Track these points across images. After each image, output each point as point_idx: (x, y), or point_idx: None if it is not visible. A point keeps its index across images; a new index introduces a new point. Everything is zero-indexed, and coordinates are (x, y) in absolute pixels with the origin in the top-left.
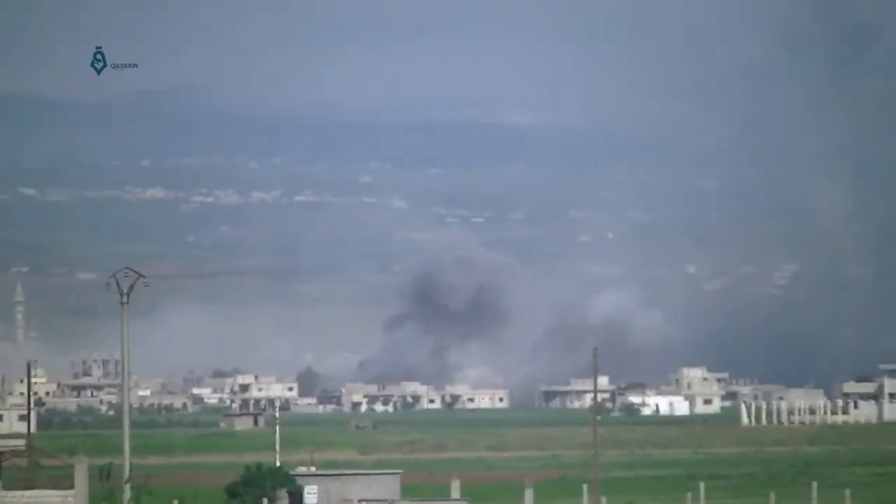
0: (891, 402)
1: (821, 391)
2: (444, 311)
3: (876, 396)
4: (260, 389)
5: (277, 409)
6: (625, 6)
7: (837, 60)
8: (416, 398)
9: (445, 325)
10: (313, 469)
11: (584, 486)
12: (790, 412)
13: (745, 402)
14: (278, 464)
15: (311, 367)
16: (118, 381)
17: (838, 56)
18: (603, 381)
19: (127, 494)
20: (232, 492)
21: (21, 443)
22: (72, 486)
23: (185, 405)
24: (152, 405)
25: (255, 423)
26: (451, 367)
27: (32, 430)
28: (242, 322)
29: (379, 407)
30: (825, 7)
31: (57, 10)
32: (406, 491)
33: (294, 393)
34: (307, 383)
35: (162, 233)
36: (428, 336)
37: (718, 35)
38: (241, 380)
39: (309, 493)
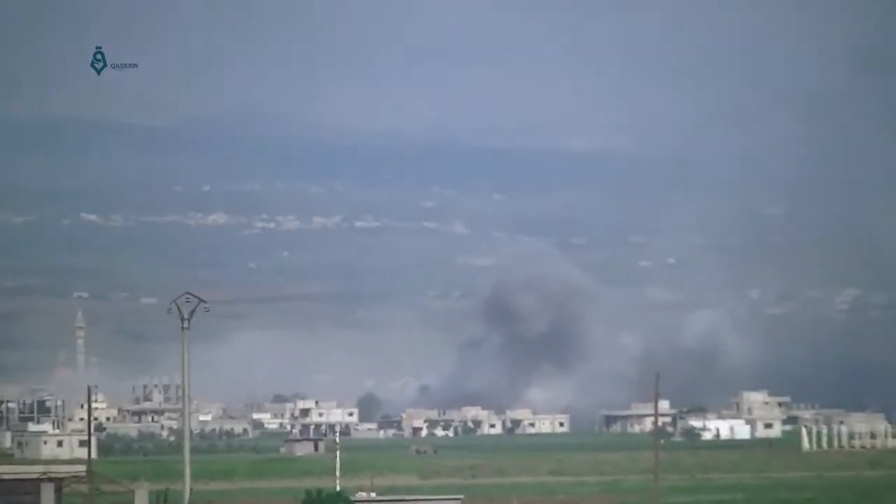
0: None
1: (882, 415)
2: (509, 335)
3: None
4: (320, 414)
5: (338, 434)
6: (686, 30)
7: None
8: (477, 423)
9: (509, 349)
10: (373, 495)
11: None
12: (851, 436)
13: (806, 427)
14: (338, 489)
15: (371, 392)
16: (179, 406)
17: None
18: (664, 405)
19: None
20: None
21: (82, 468)
22: None
23: (245, 430)
24: (213, 430)
25: (316, 448)
26: (514, 393)
27: (93, 455)
28: (303, 347)
29: (439, 432)
30: None
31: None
32: None
33: (354, 418)
34: (368, 408)
35: (223, 258)
36: (491, 361)
37: (783, 56)
38: (301, 405)
39: None
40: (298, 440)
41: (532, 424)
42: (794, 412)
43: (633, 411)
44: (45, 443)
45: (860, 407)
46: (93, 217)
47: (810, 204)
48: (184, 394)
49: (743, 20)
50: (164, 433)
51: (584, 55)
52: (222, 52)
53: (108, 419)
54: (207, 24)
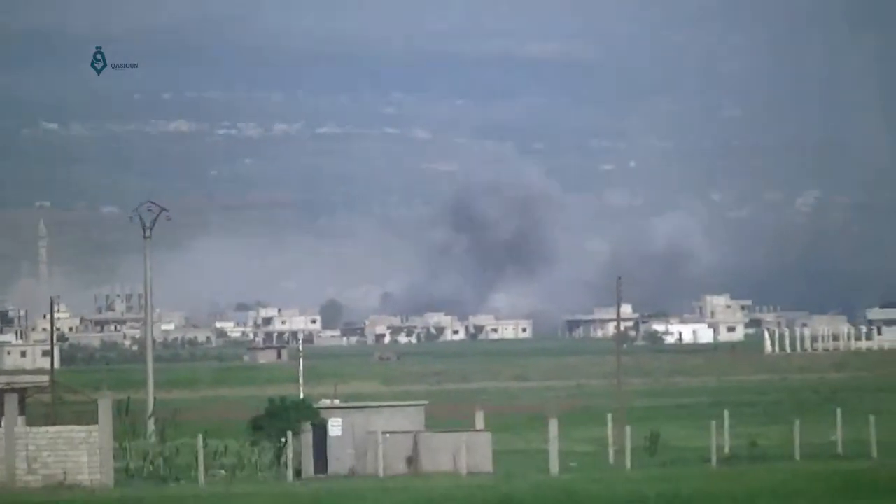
0: None
1: (845, 317)
2: (472, 241)
3: None
4: (283, 322)
5: (301, 342)
6: None
7: None
8: (440, 329)
9: (472, 255)
10: (337, 401)
11: (609, 416)
12: (814, 339)
13: (768, 330)
14: (302, 396)
15: (334, 299)
16: (142, 315)
17: None
18: (626, 309)
19: (150, 428)
20: (256, 425)
21: (44, 379)
22: (96, 422)
23: (208, 339)
24: (176, 339)
25: (279, 355)
26: (477, 299)
27: (56, 365)
28: (265, 255)
29: (402, 339)
30: None
31: None
32: (431, 422)
33: (317, 325)
34: (330, 316)
35: (185, 166)
36: (454, 267)
37: None
38: (264, 313)
39: (333, 426)
40: (261, 348)
41: (495, 330)
42: (757, 315)
43: (596, 316)
44: (8, 353)
45: (822, 309)
46: (53, 126)
47: (770, 106)
48: (146, 303)
49: None
50: (127, 342)
51: None
52: None
53: (70, 329)
54: None
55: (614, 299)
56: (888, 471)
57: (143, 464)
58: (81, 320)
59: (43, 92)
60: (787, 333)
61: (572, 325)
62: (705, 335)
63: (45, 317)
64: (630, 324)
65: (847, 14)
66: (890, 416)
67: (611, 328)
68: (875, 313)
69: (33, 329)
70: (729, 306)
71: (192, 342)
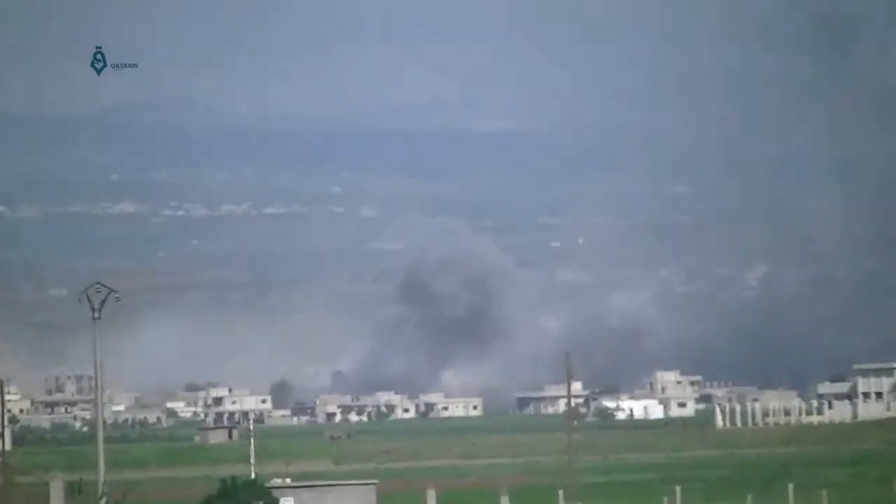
0: (865, 401)
1: (795, 392)
2: (422, 319)
3: (850, 396)
4: (234, 402)
5: (251, 422)
6: (596, 11)
7: (815, 57)
8: (391, 408)
9: (422, 333)
10: (288, 481)
11: (560, 492)
12: (765, 414)
13: (719, 405)
14: (253, 476)
15: (284, 378)
16: (92, 396)
17: (817, 52)
18: (576, 386)
19: None
20: None
21: None
22: (47, 503)
23: (159, 419)
24: (126, 420)
25: (230, 435)
26: (428, 377)
27: (6, 447)
28: (215, 335)
29: (353, 417)
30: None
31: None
32: (382, 500)
33: (268, 405)
34: (281, 395)
35: (132, 247)
36: (405, 345)
37: (692, 36)
38: (214, 393)
39: None
40: (212, 428)
41: (445, 408)
42: (708, 391)
43: (547, 392)
44: None
45: (773, 384)
46: (0, 208)
47: (716, 182)
48: (96, 384)
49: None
50: (78, 424)
51: (489, 35)
52: (129, 41)
53: (21, 411)
54: (110, 15)
55: (565, 376)
56: None
57: None
58: (32, 402)
59: None
60: (738, 408)
61: (523, 402)
62: (656, 411)
63: None
64: (581, 400)
65: (789, 84)
66: (841, 489)
67: (561, 405)
68: (825, 387)
69: None
70: (679, 382)
71: (143, 423)
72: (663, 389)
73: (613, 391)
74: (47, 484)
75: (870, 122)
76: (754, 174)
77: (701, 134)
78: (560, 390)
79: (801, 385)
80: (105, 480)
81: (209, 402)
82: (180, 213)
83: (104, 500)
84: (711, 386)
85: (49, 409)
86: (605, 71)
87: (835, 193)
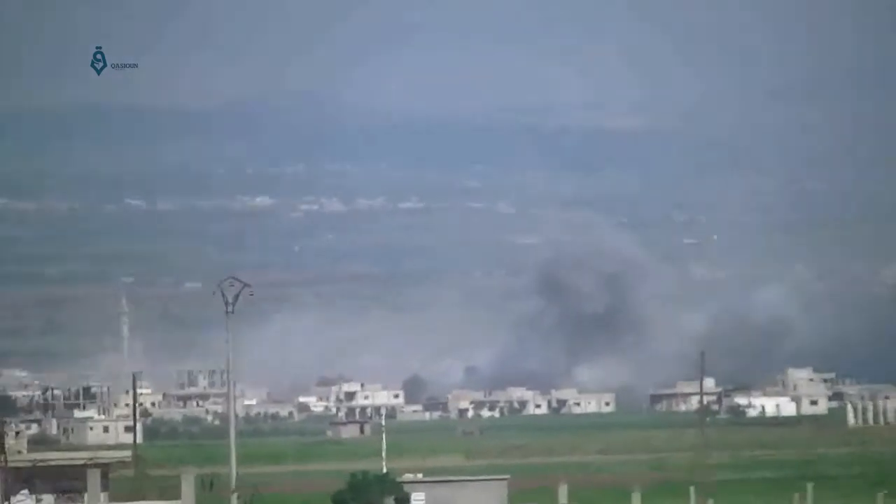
0: None
1: None
2: (556, 314)
3: None
4: (366, 397)
5: (384, 417)
6: (729, 8)
7: None
8: (523, 403)
9: (556, 329)
10: (420, 476)
11: (692, 489)
12: None
13: (851, 403)
14: (385, 471)
15: (417, 374)
16: (224, 390)
17: None
18: (709, 383)
19: (233, 503)
20: (339, 499)
21: (127, 454)
22: (179, 497)
23: (291, 414)
24: (258, 414)
25: (362, 430)
26: (561, 373)
27: (139, 440)
28: (348, 329)
29: (485, 413)
30: None
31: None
32: (513, 496)
33: (400, 400)
34: (413, 390)
35: (268, 241)
36: (538, 341)
37: (823, 32)
38: (346, 387)
39: (416, 500)
40: (344, 423)
41: (578, 404)
42: (840, 388)
43: (679, 390)
44: (91, 429)
45: None
46: (137, 202)
47: (851, 179)
48: (228, 378)
49: None
50: (210, 418)
51: (633, 35)
52: (262, 34)
53: (153, 404)
54: (246, 6)
55: (697, 373)
56: None
57: None
58: (164, 395)
59: (127, 168)
60: (870, 406)
61: (655, 398)
62: (788, 408)
63: (127, 392)
64: (713, 397)
65: None
66: None
67: (694, 402)
68: None
69: (116, 404)
70: (812, 379)
71: (275, 417)
72: (795, 387)
73: (746, 388)
74: (179, 477)
75: None
76: (889, 171)
77: (837, 130)
78: (692, 387)
79: None
80: (237, 474)
81: (341, 396)
82: (315, 207)
83: (236, 493)
84: (844, 383)
85: (181, 403)
86: (741, 70)
87: None
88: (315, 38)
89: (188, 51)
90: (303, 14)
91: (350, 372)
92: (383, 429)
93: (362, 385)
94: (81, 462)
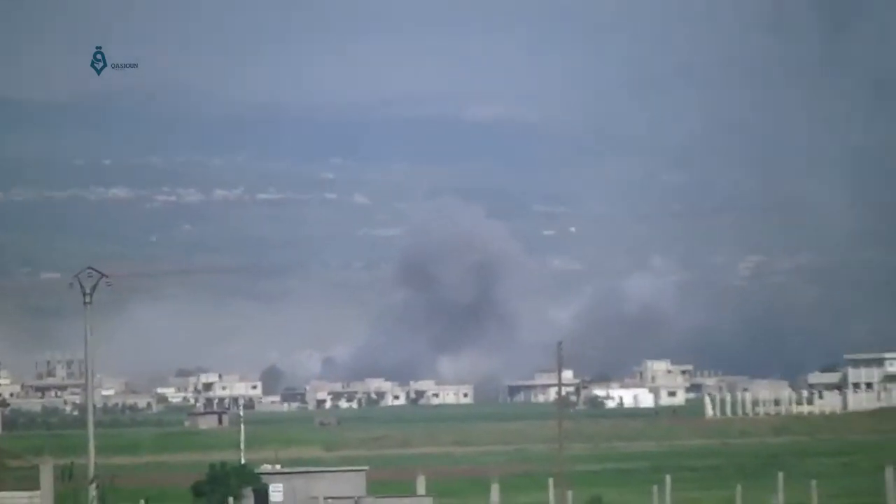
0: (855, 391)
1: (785, 382)
2: (413, 305)
3: (840, 386)
4: (224, 388)
5: (241, 408)
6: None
7: (819, 41)
8: (381, 395)
9: (413, 320)
10: (278, 467)
11: (550, 480)
12: (755, 403)
13: (709, 394)
14: (243, 462)
15: (274, 365)
16: (82, 381)
17: (820, 36)
18: (567, 374)
19: (92, 494)
20: (197, 491)
21: None
22: (37, 487)
23: (149, 404)
24: (116, 405)
25: (220, 421)
26: (417, 365)
27: None
28: (206, 321)
29: (343, 404)
30: None
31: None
32: (372, 487)
33: (258, 391)
34: (271, 381)
35: (125, 232)
36: (395, 332)
37: (687, 23)
38: (204, 378)
39: (274, 492)
40: (202, 414)
41: (436, 395)
42: (698, 380)
43: (537, 381)
44: None
45: (764, 374)
46: None
47: (708, 172)
48: (87, 369)
49: None
50: (68, 408)
51: (488, 23)
52: (122, 26)
53: (11, 395)
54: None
55: (555, 364)
56: None
57: None
58: (22, 386)
59: None
60: (728, 398)
61: (513, 390)
62: (646, 400)
63: None
64: (571, 389)
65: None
66: (831, 479)
67: (552, 393)
68: (816, 377)
69: None
70: (670, 371)
71: (133, 408)
72: (653, 378)
73: (604, 380)
74: (38, 467)
75: (874, 111)
76: (750, 162)
77: (697, 123)
78: (550, 379)
79: (791, 375)
80: (95, 465)
81: (199, 387)
82: (173, 198)
83: (94, 484)
84: (702, 375)
85: (40, 394)
86: (601, 60)
87: (833, 183)
88: (176, 28)
89: (46, 39)
90: (165, 4)
91: (208, 363)
92: (241, 419)
93: (220, 376)
94: None
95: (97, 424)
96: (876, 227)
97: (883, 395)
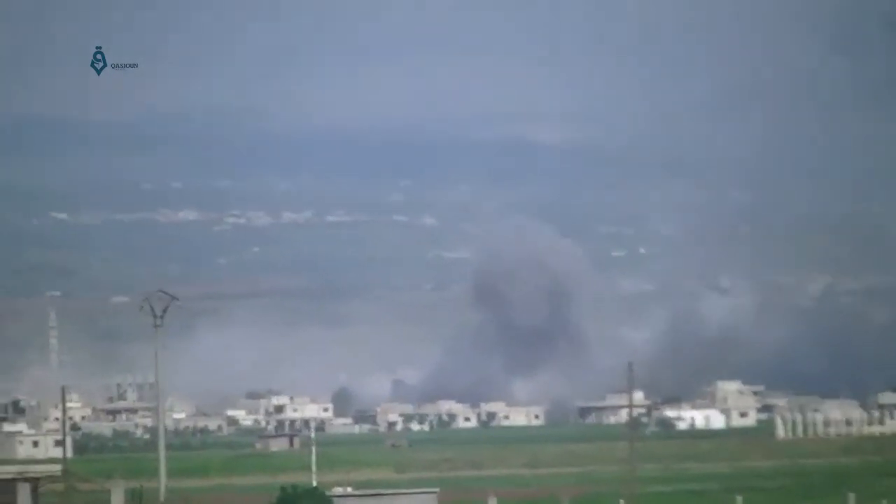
0: None
1: (856, 402)
2: (485, 328)
3: None
4: (295, 410)
5: (313, 430)
6: (652, 18)
7: (889, 59)
8: (452, 417)
9: (485, 342)
10: (349, 489)
11: (621, 502)
12: (826, 424)
13: (780, 415)
14: (314, 484)
15: (345, 387)
16: (153, 404)
17: (890, 54)
18: (638, 395)
19: None
20: None
21: (57, 468)
22: None
23: (220, 427)
24: (187, 428)
25: (291, 443)
26: (488, 386)
27: (68, 454)
28: (276, 343)
29: (414, 426)
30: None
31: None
32: None
33: (329, 413)
34: (342, 403)
35: (194, 255)
36: (468, 354)
37: (750, 42)
38: (275, 401)
39: None
40: (273, 436)
41: (507, 417)
42: (769, 401)
43: (608, 402)
44: (21, 443)
45: (834, 394)
46: (63, 216)
47: (777, 191)
48: (157, 391)
49: (710, 7)
50: (139, 431)
51: (549, 46)
52: (185, 48)
53: (82, 418)
54: (169, 22)
55: (626, 386)
56: None
57: None
58: (93, 409)
59: (52, 181)
60: (799, 418)
61: (584, 411)
62: (717, 421)
63: (56, 406)
64: (642, 410)
65: (860, 88)
66: None
67: (623, 414)
68: (887, 397)
69: (45, 418)
70: (741, 392)
71: (204, 430)
72: (725, 399)
73: (675, 401)
74: (109, 491)
75: None
76: (819, 183)
77: (760, 142)
78: (622, 400)
79: (862, 395)
80: (166, 487)
81: (270, 409)
82: (242, 220)
83: None
84: (773, 396)
85: (111, 417)
86: (664, 81)
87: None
88: (238, 51)
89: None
90: (225, 26)
91: (279, 385)
92: (313, 442)
93: (291, 398)
94: (11, 476)
95: (168, 447)
96: None
97: None
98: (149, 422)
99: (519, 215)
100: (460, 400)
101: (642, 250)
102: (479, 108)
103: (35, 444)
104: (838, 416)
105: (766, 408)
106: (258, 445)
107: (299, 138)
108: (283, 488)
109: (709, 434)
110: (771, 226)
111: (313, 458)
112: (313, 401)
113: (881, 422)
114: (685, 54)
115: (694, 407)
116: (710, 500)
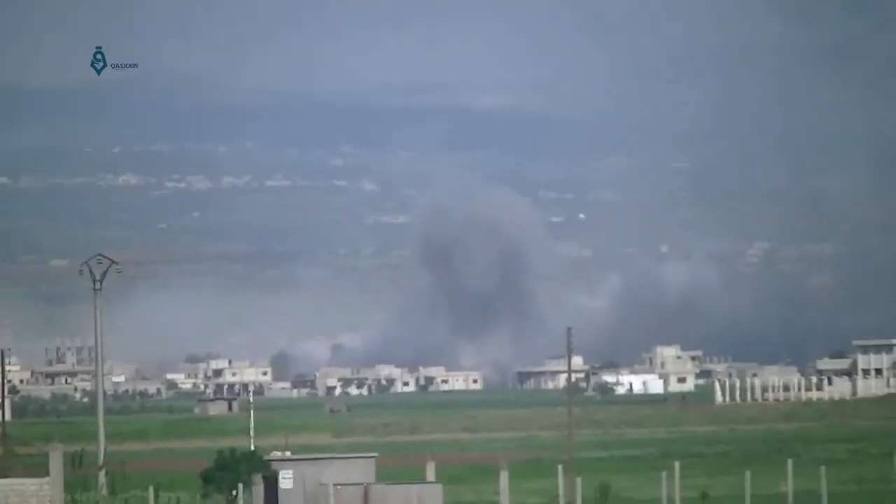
0: (864, 377)
1: (795, 368)
2: (423, 292)
3: (850, 373)
4: (234, 374)
5: (251, 394)
6: None
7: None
8: (391, 381)
9: (423, 307)
10: (288, 453)
11: (559, 467)
12: (764, 389)
13: (719, 380)
14: (252, 448)
15: (284, 351)
16: (92, 367)
17: (839, 21)
18: (577, 361)
19: (101, 480)
20: (206, 477)
21: None
22: (47, 474)
23: (159, 391)
24: (126, 391)
25: (230, 407)
26: (427, 351)
27: (7, 418)
28: (215, 307)
29: (353, 390)
30: None
31: None
32: (382, 474)
33: (268, 377)
34: (281, 368)
35: (134, 219)
36: (406, 318)
37: (692, 11)
38: (214, 365)
39: (284, 478)
40: (212, 400)
41: (445, 381)
42: (707, 366)
43: (547, 367)
44: None
45: (773, 360)
46: (3, 179)
47: (716, 159)
48: (97, 355)
49: None
50: (78, 395)
51: (494, 12)
52: (132, 13)
53: (21, 381)
54: None
55: (565, 351)
56: None
57: None
58: (32, 373)
59: None
60: (737, 384)
61: (523, 376)
62: (655, 386)
63: None
64: (581, 375)
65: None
66: (840, 466)
67: (561, 380)
68: (825, 364)
69: None
70: (679, 357)
71: (143, 394)
72: (663, 364)
73: (613, 366)
74: (47, 454)
75: (892, 99)
76: (762, 150)
77: (703, 111)
78: (560, 365)
79: (801, 361)
80: (105, 451)
81: (209, 373)
82: (182, 185)
83: (104, 470)
84: (711, 361)
85: (49, 380)
86: (607, 48)
87: (847, 171)
88: (180, 17)
89: (55, 27)
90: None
91: (218, 349)
92: (251, 406)
93: (230, 362)
94: None
95: (107, 411)
96: (888, 215)
97: (892, 381)
98: (88, 385)
99: (461, 181)
100: (400, 365)
101: (582, 216)
102: (422, 75)
103: None
104: (777, 381)
105: (704, 373)
106: (197, 409)
107: (240, 104)
108: (220, 452)
109: (647, 399)
110: (710, 193)
111: (251, 422)
112: (252, 365)
113: (819, 387)
114: (631, 23)
115: (632, 372)
116: (647, 466)
